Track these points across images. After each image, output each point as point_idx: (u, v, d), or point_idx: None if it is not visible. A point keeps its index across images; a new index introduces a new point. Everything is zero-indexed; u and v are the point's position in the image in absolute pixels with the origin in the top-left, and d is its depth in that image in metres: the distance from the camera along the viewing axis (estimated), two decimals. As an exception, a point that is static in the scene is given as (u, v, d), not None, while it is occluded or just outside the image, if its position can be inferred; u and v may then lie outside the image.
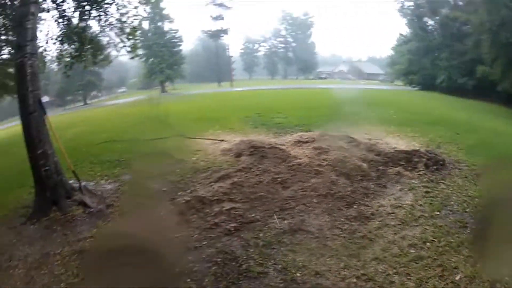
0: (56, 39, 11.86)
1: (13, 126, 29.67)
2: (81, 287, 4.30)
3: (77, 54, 11.96)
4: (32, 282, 4.44)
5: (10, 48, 20.09)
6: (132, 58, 15.48)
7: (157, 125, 11.52)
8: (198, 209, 5.90)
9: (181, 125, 12.03)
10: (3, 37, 20.38)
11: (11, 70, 21.75)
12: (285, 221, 5.39)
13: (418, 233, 5.01)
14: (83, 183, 6.99)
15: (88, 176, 8.07)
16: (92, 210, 6.29)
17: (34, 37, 6.69)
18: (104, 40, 14.32)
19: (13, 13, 10.84)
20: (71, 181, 7.02)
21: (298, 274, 4.19)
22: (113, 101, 34.54)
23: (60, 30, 11.72)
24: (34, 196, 6.68)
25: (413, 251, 4.56)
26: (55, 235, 5.53)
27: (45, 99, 42.89)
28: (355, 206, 5.85)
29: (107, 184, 7.69)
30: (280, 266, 4.37)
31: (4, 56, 21.90)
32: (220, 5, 63.02)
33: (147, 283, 4.05)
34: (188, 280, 4.22)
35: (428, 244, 4.72)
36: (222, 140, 10.25)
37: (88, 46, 12.01)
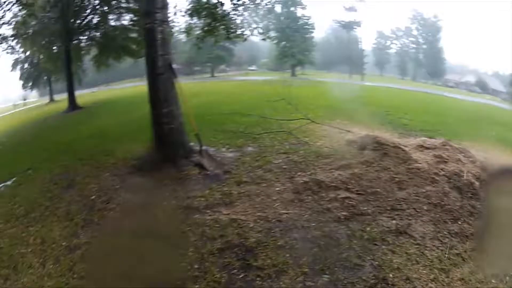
0: (185, 12, 12.47)
1: (131, 87, 32.87)
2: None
3: (209, 28, 12.41)
4: (120, 227, 4.98)
5: (132, 15, 22.41)
6: (263, 39, 15.86)
7: (285, 106, 11.59)
8: (314, 192, 5.88)
9: (309, 110, 11.83)
10: (124, 5, 22.72)
11: (134, 35, 24.39)
12: (393, 221, 5.17)
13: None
14: (204, 147, 7.26)
15: (209, 142, 8.31)
16: (208, 173, 6.50)
17: (165, 5, 7.13)
18: (238, 19, 15.00)
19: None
20: (191, 144, 7.36)
21: (391, 275, 4.07)
22: (242, 77, 35.78)
23: (189, 4, 12.37)
24: (149, 150, 7.25)
25: (494, 281, 4.19)
26: (163, 189, 5.95)
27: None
28: (459, 222, 5.38)
29: (228, 152, 7.89)
30: (376, 263, 4.27)
31: (125, 22, 24.62)
32: (354, -4, 61.16)
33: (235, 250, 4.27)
34: (287, 255, 4.29)
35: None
36: (348, 131, 10.06)
37: (220, 23, 12.36)
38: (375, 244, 4.62)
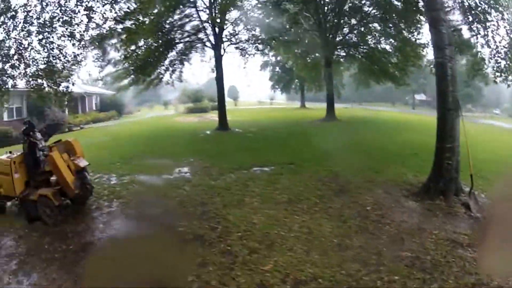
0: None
1: (382, 111, 32.56)
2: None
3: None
4: (400, 243, 5.16)
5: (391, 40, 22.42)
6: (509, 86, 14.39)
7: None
8: None
9: None
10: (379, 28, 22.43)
11: (394, 60, 24.53)
12: None
13: None
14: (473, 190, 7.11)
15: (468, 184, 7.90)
16: (471, 215, 6.43)
17: (451, 42, 7.32)
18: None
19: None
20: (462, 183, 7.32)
21: None
22: (486, 120, 32.21)
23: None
24: (422, 179, 7.60)
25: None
26: (434, 219, 6.11)
27: (421, 97, 44.94)
28: None
29: (485, 198, 7.49)
30: None
31: (387, 47, 24.87)
32: None
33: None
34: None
35: None
36: None
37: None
38: None
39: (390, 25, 22.94)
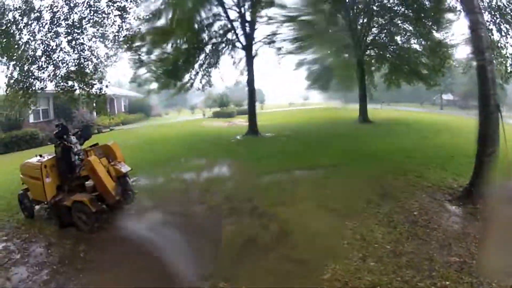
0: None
1: (409, 111, 31.88)
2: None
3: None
4: (448, 248, 5.20)
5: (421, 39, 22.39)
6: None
7: None
8: None
9: None
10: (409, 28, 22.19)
11: (425, 60, 24.10)
12: None
13: None
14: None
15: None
16: None
17: (489, 46, 7.31)
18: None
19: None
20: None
21: None
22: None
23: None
24: (462, 182, 7.70)
25: None
26: (476, 223, 6.11)
27: (448, 97, 44.07)
28: None
29: None
30: None
31: (415, 46, 24.68)
32: None
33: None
34: None
35: None
36: None
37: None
38: None
39: (419, 24, 22.59)
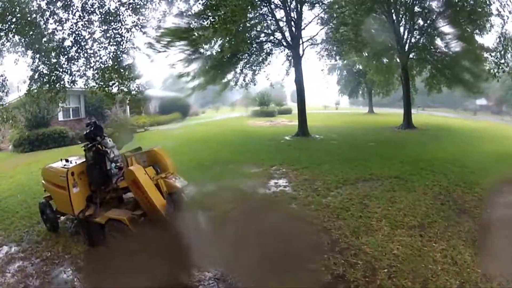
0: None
1: (445, 117, 31.42)
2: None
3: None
4: None
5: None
6: None
7: None
8: None
9: None
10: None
11: (467, 64, 23.99)
12: None
13: None
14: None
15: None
16: None
17: None
18: None
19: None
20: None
21: None
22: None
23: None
24: None
25: None
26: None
27: (482, 101, 43.27)
28: None
29: None
30: None
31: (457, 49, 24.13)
32: None
33: None
34: None
35: None
36: None
37: None
38: None
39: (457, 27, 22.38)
